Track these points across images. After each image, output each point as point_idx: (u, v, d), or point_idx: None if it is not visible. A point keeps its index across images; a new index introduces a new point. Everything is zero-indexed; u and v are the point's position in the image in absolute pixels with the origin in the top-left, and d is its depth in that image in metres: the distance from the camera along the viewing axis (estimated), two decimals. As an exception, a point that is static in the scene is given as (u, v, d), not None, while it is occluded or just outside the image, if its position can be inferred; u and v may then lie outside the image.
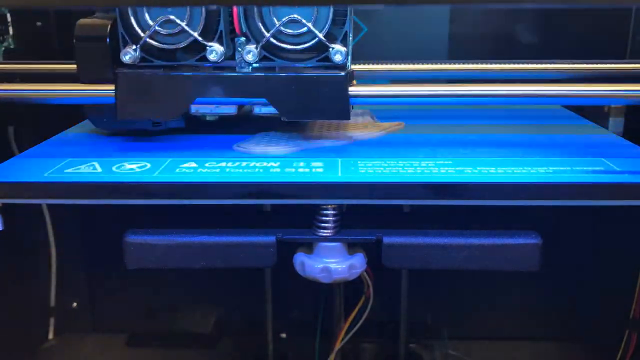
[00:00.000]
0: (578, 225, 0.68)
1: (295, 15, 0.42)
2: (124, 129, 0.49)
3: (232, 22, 0.43)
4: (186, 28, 0.42)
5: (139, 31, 0.43)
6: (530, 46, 0.67)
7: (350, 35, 0.44)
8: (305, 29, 0.42)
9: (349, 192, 0.39)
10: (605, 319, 0.68)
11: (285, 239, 0.42)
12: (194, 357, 0.75)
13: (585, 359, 0.74)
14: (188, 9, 0.42)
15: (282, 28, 0.42)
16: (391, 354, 0.73)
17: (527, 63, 0.51)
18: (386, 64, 0.51)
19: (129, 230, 0.42)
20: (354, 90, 0.43)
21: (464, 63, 0.51)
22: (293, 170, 0.40)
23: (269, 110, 0.44)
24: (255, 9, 0.42)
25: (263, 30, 0.42)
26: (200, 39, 0.42)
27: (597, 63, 0.50)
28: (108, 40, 0.44)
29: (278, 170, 0.41)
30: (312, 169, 0.41)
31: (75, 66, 0.45)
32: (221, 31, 0.43)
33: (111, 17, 0.44)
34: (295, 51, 0.43)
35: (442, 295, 0.73)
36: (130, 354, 0.75)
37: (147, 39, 0.43)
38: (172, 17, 0.42)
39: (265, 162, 0.42)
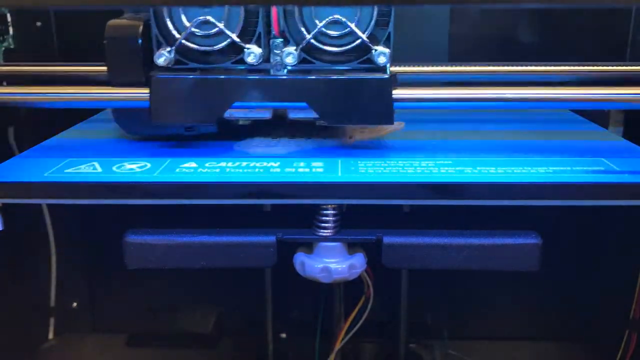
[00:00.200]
0: (578, 225, 0.68)
1: (338, 16, 0.40)
2: (155, 134, 0.47)
3: (268, 24, 0.42)
4: (224, 29, 0.41)
5: (175, 32, 0.41)
6: (531, 48, 0.67)
7: (392, 36, 0.42)
8: (347, 29, 0.41)
9: (349, 192, 0.39)
10: (605, 319, 0.68)
11: (285, 238, 0.42)
12: (194, 357, 0.75)
13: (585, 359, 0.74)
14: (226, 9, 0.41)
15: (323, 29, 0.41)
16: (391, 354, 0.73)
17: (538, 65, 0.51)
18: (425, 65, 0.51)
19: (129, 230, 0.42)
20: (397, 93, 0.42)
21: (487, 65, 0.51)
22: (293, 170, 0.41)
23: (305, 114, 0.42)
24: (296, 9, 0.41)
25: (304, 31, 0.41)
26: (238, 40, 0.41)
27: (600, 65, 0.50)
28: (140, 41, 0.42)
29: (278, 170, 0.41)
30: (312, 169, 0.41)
31: (87, 68, 0.46)
32: (259, 33, 0.41)
33: (142, 18, 0.43)
34: (335, 53, 0.42)
35: (442, 295, 0.73)
36: (130, 354, 0.75)
37: (183, 41, 0.41)
38: (209, 18, 0.41)
39: (266, 162, 0.42)
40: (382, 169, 0.40)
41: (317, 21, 0.41)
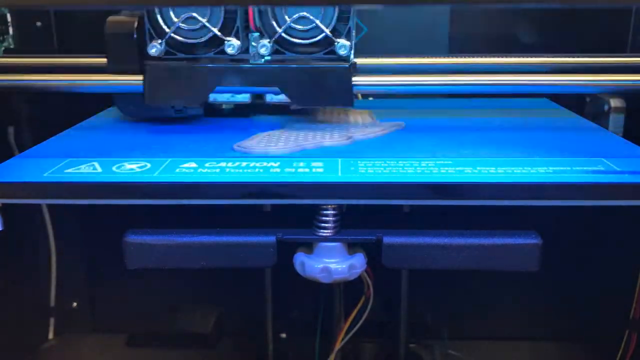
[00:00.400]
0: (578, 225, 0.68)
1: (305, 13, 0.46)
2: (149, 116, 0.53)
3: (247, 19, 0.48)
4: (207, 24, 0.47)
5: (164, 27, 0.47)
6: (529, 44, 0.67)
7: (354, 30, 0.48)
8: (313, 25, 0.47)
9: (349, 192, 0.39)
10: (605, 319, 0.68)
11: (285, 239, 0.42)
12: (194, 357, 0.75)
13: (585, 359, 0.74)
14: (209, 7, 0.47)
15: (292, 24, 0.47)
16: (391, 354, 0.73)
17: (522, 57, 0.54)
18: (386, 57, 0.55)
19: (129, 231, 0.42)
20: (357, 80, 0.48)
21: (461, 57, 0.54)
22: (293, 170, 0.40)
23: (280, 98, 0.48)
24: (269, 8, 0.47)
25: (275, 26, 0.47)
26: (219, 34, 0.47)
27: (584, 57, 0.53)
28: (135, 35, 0.48)
29: (278, 170, 0.41)
30: (312, 169, 0.41)
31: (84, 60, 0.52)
32: (238, 27, 0.47)
33: (136, 14, 0.49)
34: (304, 45, 0.48)
35: (442, 295, 0.73)
36: (130, 354, 0.75)
37: (172, 34, 0.47)
38: (194, 14, 0.47)
39: (265, 162, 0.42)
40: (382, 169, 0.40)
41: (287, 17, 0.47)
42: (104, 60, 0.50)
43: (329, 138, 0.47)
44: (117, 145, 0.47)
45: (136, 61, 0.48)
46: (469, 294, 0.73)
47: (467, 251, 0.40)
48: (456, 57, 0.54)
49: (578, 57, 0.53)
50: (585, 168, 0.40)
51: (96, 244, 0.73)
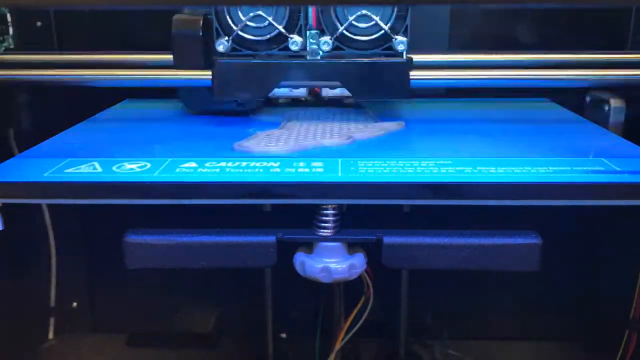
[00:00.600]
0: (578, 225, 0.68)
1: (365, 11, 0.49)
2: (212, 109, 0.56)
3: (306, 17, 0.50)
4: (273, 22, 0.49)
5: (232, 25, 0.50)
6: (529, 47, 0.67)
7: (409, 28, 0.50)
8: (372, 22, 0.49)
9: (349, 192, 0.39)
10: (605, 319, 0.68)
11: (285, 238, 0.42)
12: (194, 357, 0.75)
13: (585, 359, 0.74)
14: (274, 6, 0.50)
15: (353, 22, 0.49)
16: (391, 354, 0.73)
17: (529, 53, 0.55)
18: (434, 53, 0.56)
19: (129, 230, 0.42)
20: (414, 74, 0.50)
21: (506, 53, 0.55)
22: (293, 170, 0.40)
23: (335, 93, 0.54)
24: (332, 6, 0.49)
25: (337, 23, 0.49)
26: (284, 31, 0.49)
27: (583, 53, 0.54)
28: (200, 32, 0.51)
29: (278, 170, 0.40)
30: (312, 169, 0.41)
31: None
32: (301, 25, 0.50)
33: (200, 13, 0.51)
34: (363, 41, 0.50)
35: (442, 295, 0.73)
36: (130, 354, 0.75)
37: (239, 32, 0.50)
38: (260, 12, 0.49)
39: (265, 162, 0.42)
40: (382, 169, 0.40)
41: (348, 15, 0.49)
42: (165, 56, 0.52)
43: (329, 138, 0.47)
44: (117, 145, 0.47)
45: (201, 58, 0.51)
46: (469, 294, 0.73)
47: (467, 251, 0.40)
48: (496, 53, 0.56)
49: (578, 53, 0.54)
50: (585, 168, 0.40)
51: (96, 244, 0.73)
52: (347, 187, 0.39)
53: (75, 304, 0.76)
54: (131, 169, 0.41)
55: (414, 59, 0.51)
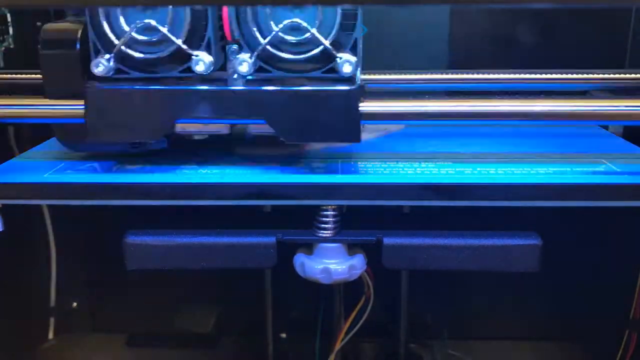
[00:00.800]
0: (578, 225, 0.68)
1: (297, 20, 0.36)
2: (98, 151, 0.43)
3: (222, 27, 0.37)
4: (167, 34, 0.36)
5: (113, 38, 0.37)
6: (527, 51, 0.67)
7: (360, 43, 0.38)
8: (308, 34, 0.36)
9: (349, 192, 0.39)
10: (605, 319, 0.68)
11: (285, 239, 0.42)
12: (194, 357, 0.75)
13: (585, 359, 0.74)
14: (170, 12, 0.36)
15: (281, 34, 0.36)
16: (391, 354, 0.73)
17: (539, 73, 0.48)
18: (397, 74, 0.47)
19: (129, 231, 0.42)
20: (365, 107, 0.37)
21: (474, 73, 0.48)
22: (293, 170, 0.40)
23: (267, 129, 0.38)
24: (249, 12, 0.36)
25: (259, 36, 0.36)
26: (184, 47, 0.36)
27: (601, 73, 0.48)
28: (78, 47, 0.37)
29: (278, 170, 0.40)
30: (313, 170, 0.41)
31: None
32: (209, 38, 0.37)
33: (83, 21, 0.38)
34: (297, 61, 0.37)
35: (442, 295, 0.73)
36: (130, 354, 0.75)
37: (123, 48, 0.36)
38: (151, 21, 0.36)
39: (266, 163, 0.42)
40: (382, 169, 0.40)
41: (273, 25, 0.36)
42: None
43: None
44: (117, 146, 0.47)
45: (80, 82, 0.38)
46: (469, 294, 0.73)
47: (467, 252, 0.40)
48: (473, 73, 0.47)
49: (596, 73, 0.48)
50: (585, 169, 0.40)
51: (96, 244, 0.73)
52: (347, 188, 0.39)
53: (75, 304, 0.76)
54: (131, 169, 0.41)
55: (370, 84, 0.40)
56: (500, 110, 0.39)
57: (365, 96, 0.38)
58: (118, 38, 0.37)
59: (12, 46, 0.64)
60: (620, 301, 0.62)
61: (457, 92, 0.49)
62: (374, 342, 0.73)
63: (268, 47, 0.36)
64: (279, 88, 0.37)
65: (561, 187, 0.38)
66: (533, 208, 0.40)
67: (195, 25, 0.37)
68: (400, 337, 0.71)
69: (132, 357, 0.75)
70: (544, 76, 0.48)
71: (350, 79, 0.37)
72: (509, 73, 0.48)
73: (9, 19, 0.63)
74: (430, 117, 0.38)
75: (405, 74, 0.47)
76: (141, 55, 0.37)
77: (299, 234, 0.43)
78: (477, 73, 0.48)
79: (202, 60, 0.36)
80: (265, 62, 0.37)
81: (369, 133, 0.49)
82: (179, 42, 0.36)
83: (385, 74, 0.47)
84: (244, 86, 0.37)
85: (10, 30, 0.64)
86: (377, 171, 0.40)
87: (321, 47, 0.36)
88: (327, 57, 0.37)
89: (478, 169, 0.40)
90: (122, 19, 0.36)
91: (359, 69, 0.38)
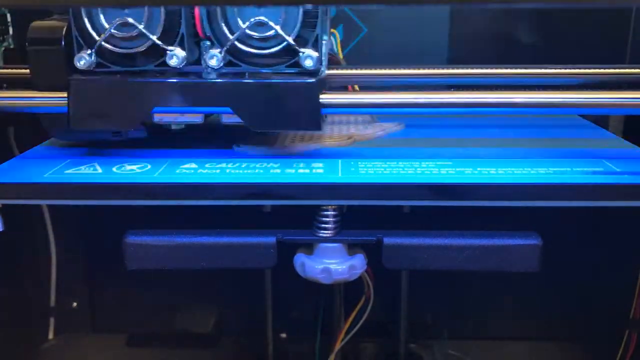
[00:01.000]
0: (578, 225, 0.68)
1: (262, 17, 0.39)
2: (82, 139, 0.46)
3: (194, 25, 0.41)
4: (144, 31, 0.40)
5: (94, 34, 0.40)
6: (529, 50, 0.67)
7: (325, 38, 0.41)
8: (272, 32, 0.40)
9: (350, 192, 0.39)
10: (605, 319, 0.68)
11: (285, 239, 0.42)
12: (194, 357, 0.75)
13: (585, 359, 0.74)
14: (146, 10, 0.39)
15: (247, 31, 0.40)
16: (391, 354, 0.73)
17: (530, 68, 0.49)
18: (378, 68, 0.48)
19: (129, 231, 0.42)
20: (325, 98, 0.40)
21: (462, 68, 0.48)
22: (293, 171, 0.41)
23: (238, 119, 0.41)
24: (219, 10, 0.40)
25: (227, 33, 0.40)
26: (159, 42, 0.40)
27: (602, 68, 0.49)
28: (63, 43, 0.41)
29: (278, 171, 0.41)
30: (313, 170, 0.41)
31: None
32: (182, 34, 0.40)
33: (67, 19, 0.42)
34: (263, 56, 0.41)
35: (442, 295, 0.73)
36: (130, 354, 0.75)
37: (103, 43, 0.40)
38: (128, 19, 0.39)
39: (265, 163, 0.42)
40: (383, 169, 0.40)
41: (241, 22, 0.40)
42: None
43: (329, 138, 0.47)
44: (117, 146, 0.47)
45: (64, 75, 0.41)
46: (469, 294, 0.73)
47: (468, 252, 0.40)
48: (461, 68, 0.48)
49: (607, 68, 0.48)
50: (585, 169, 0.40)
51: (96, 244, 0.73)
52: (348, 188, 0.39)
53: (75, 304, 0.76)
54: (131, 169, 0.41)
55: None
56: (458, 100, 0.41)
57: (326, 88, 0.42)
58: (99, 34, 0.40)
59: (12, 46, 0.64)
60: (620, 301, 0.62)
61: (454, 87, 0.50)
62: (374, 342, 0.73)
63: (236, 42, 0.40)
64: (246, 80, 0.40)
65: (561, 187, 0.38)
66: (533, 208, 0.40)
67: (170, 22, 0.40)
68: (400, 337, 0.71)
69: (132, 357, 0.75)
70: (541, 71, 0.49)
71: (313, 72, 0.41)
72: (506, 68, 0.49)
73: (9, 19, 0.63)
74: (387, 106, 0.41)
75: (395, 69, 0.48)
76: (120, 50, 0.41)
77: (299, 234, 0.43)
78: (474, 68, 0.48)
79: (176, 55, 0.40)
80: (234, 57, 0.41)
81: (369, 133, 0.50)
82: (154, 37, 0.40)
83: (375, 69, 0.48)
84: (214, 78, 0.40)
85: (10, 30, 0.64)
86: (377, 171, 0.40)
87: (285, 43, 0.40)
88: (291, 52, 0.41)
89: (478, 169, 0.40)
90: (102, 17, 0.40)
91: (324, 63, 0.42)
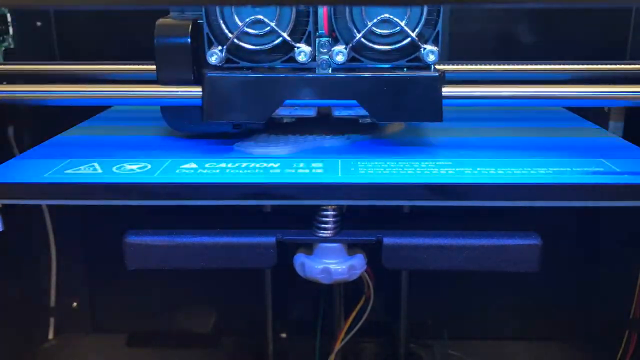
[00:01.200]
0: (578, 225, 0.68)
1: (387, 15, 0.41)
2: (202, 131, 0.47)
3: (316, 22, 0.43)
4: (276, 29, 0.42)
5: (227, 32, 0.42)
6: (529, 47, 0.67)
7: (441, 36, 0.43)
8: (397, 28, 0.42)
9: (349, 192, 0.39)
10: (605, 319, 0.68)
11: (285, 239, 0.42)
12: (194, 357, 0.75)
13: (585, 359, 0.74)
14: (277, 9, 0.42)
15: (373, 28, 0.42)
16: (391, 354, 0.73)
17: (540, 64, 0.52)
18: (470, 64, 0.52)
19: (129, 231, 0.42)
20: (447, 91, 0.43)
21: (473, 64, 0.52)
22: (293, 171, 0.40)
23: (349, 112, 0.43)
24: (347, 9, 0.42)
25: (354, 30, 0.42)
26: (289, 39, 0.42)
27: (597, 64, 0.51)
28: (189, 40, 0.43)
29: (278, 171, 0.40)
30: (312, 170, 0.41)
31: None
32: (309, 32, 0.42)
33: (189, 17, 0.44)
34: (384, 52, 0.43)
35: (442, 295, 0.73)
36: (130, 354, 0.75)
37: (235, 40, 0.42)
38: (261, 17, 0.42)
39: (265, 163, 0.42)
40: (382, 169, 0.40)
41: (367, 20, 0.42)
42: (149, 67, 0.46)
43: (329, 138, 0.47)
44: (117, 146, 0.47)
45: (190, 71, 0.43)
46: (469, 294, 0.73)
47: (467, 252, 0.40)
48: (538, 64, 0.52)
49: (599, 64, 0.51)
50: (585, 169, 0.40)
51: (96, 244, 0.73)
52: (347, 188, 0.39)
53: (75, 304, 0.76)
54: (131, 169, 0.41)
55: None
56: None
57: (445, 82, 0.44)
58: (230, 31, 0.42)
59: (12, 46, 0.64)
60: (620, 301, 0.62)
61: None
62: (374, 342, 0.73)
63: (362, 39, 0.42)
64: (375, 75, 0.42)
65: (561, 187, 0.38)
66: (533, 208, 0.40)
67: (298, 20, 0.42)
68: (400, 337, 0.71)
69: (132, 357, 0.75)
70: (543, 67, 0.52)
71: (431, 67, 0.43)
72: (509, 64, 0.52)
73: (9, 19, 0.63)
74: (502, 98, 0.44)
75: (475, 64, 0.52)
76: (249, 46, 0.43)
77: (299, 234, 0.42)
78: (477, 64, 0.52)
79: (304, 51, 0.42)
80: (357, 53, 0.43)
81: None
82: (285, 35, 0.42)
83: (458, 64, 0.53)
84: (343, 73, 0.43)
85: (10, 30, 0.64)
86: (377, 171, 0.40)
87: (408, 39, 0.42)
88: (412, 48, 0.42)
89: (478, 168, 0.40)
90: (235, 15, 0.42)
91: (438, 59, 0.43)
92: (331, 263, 0.43)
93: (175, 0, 0.40)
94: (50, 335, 0.74)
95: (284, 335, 0.75)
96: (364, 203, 0.39)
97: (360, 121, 0.44)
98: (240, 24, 0.42)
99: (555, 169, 0.40)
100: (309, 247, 0.44)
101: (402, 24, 0.41)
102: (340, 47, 0.42)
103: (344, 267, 0.43)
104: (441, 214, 0.43)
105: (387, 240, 0.41)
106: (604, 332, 0.68)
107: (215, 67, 0.43)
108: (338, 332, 0.61)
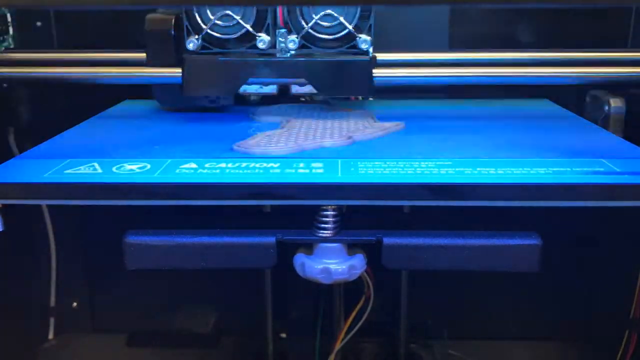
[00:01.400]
0: (578, 225, 0.68)
1: (330, 11, 0.51)
2: (185, 106, 0.58)
3: (275, 17, 0.52)
4: (241, 22, 0.52)
5: (201, 23, 0.52)
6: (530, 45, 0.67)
7: (373, 27, 0.52)
8: (337, 21, 0.51)
9: (349, 192, 0.39)
10: (605, 319, 0.68)
11: (285, 239, 0.42)
12: (194, 357, 0.75)
13: (585, 359, 0.74)
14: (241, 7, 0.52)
15: (318, 21, 0.51)
16: (391, 354, 0.73)
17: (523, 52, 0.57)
18: (400, 52, 0.57)
19: (129, 231, 0.42)
20: (376, 72, 0.53)
21: (465, 52, 0.58)
22: (293, 171, 0.40)
23: (305, 90, 0.55)
24: (297, 6, 0.51)
25: (303, 22, 0.52)
26: (252, 30, 0.52)
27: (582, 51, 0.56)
28: (172, 31, 0.53)
29: (278, 171, 0.40)
30: (312, 170, 0.41)
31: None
32: (269, 24, 0.52)
33: (172, 13, 0.54)
34: (328, 40, 0.52)
35: (442, 295, 0.73)
36: (130, 354, 0.75)
37: (208, 30, 0.52)
38: (229, 12, 0.51)
39: (265, 163, 0.42)
40: (382, 169, 0.40)
41: (313, 15, 0.51)
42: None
43: (329, 138, 0.47)
44: (117, 146, 0.47)
45: (173, 55, 0.53)
46: (469, 294, 0.73)
47: (467, 252, 0.40)
48: (464, 51, 0.58)
49: (577, 51, 0.56)
50: (585, 169, 0.40)
51: (96, 244, 0.73)
52: (347, 188, 0.39)
53: (75, 304, 0.76)
54: (131, 170, 0.41)
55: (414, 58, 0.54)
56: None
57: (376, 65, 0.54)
58: (204, 23, 0.52)
59: (12, 46, 0.64)
60: (620, 301, 0.62)
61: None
62: (374, 342, 0.73)
63: (310, 30, 0.52)
64: (319, 59, 0.53)
65: (561, 187, 0.38)
66: (533, 208, 0.40)
67: (260, 15, 0.52)
68: (400, 337, 0.71)
69: (132, 357, 0.75)
70: (544, 54, 0.56)
71: (366, 53, 0.52)
72: (512, 52, 0.57)
73: (9, 19, 0.63)
74: (422, 77, 0.55)
75: (404, 52, 0.58)
76: (220, 35, 0.53)
77: (299, 234, 0.42)
78: (480, 52, 0.57)
79: (264, 40, 0.52)
80: (307, 41, 0.53)
81: (369, 132, 0.49)
82: (249, 26, 0.52)
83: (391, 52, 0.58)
84: (293, 57, 0.53)
85: (10, 30, 0.64)
86: (377, 171, 0.40)
87: (346, 30, 0.52)
88: (350, 37, 0.52)
89: (478, 169, 0.40)
90: (208, 10, 0.52)
91: (371, 46, 0.53)
92: (331, 263, 0.43)
93: (165, 1, 0.47)
94: (50, 335, 0.74)
95: (284, 335, 0.75)
96: (364, 203, 0.39)
97: (314, 97, 0.57)
98: (212, 17, 0.52)
99: (555, 169, 0.40)
100: (309, 247, 0.44)
101: (342, 18, 0.51)
102: (293, 37, 0.52)
103: (344, 267, 0.43)
104: (441, 214, 0.43)
105: (387, 240, 0.41)
106: (604, 332, 0.68)
107: (192, 52, 0.53)
108: (338, 332, 0.61)
